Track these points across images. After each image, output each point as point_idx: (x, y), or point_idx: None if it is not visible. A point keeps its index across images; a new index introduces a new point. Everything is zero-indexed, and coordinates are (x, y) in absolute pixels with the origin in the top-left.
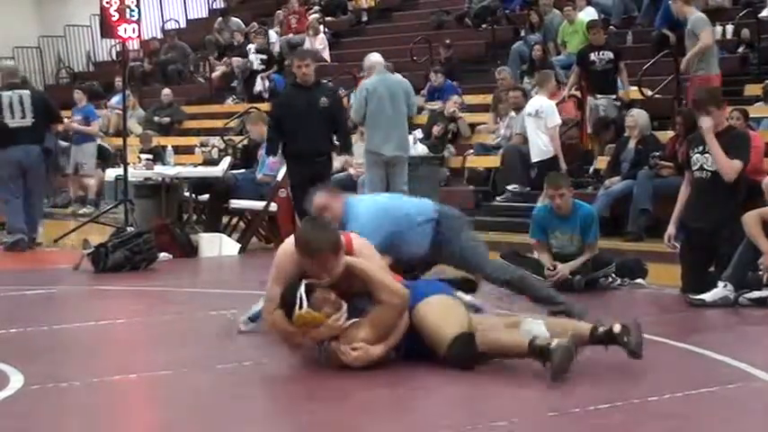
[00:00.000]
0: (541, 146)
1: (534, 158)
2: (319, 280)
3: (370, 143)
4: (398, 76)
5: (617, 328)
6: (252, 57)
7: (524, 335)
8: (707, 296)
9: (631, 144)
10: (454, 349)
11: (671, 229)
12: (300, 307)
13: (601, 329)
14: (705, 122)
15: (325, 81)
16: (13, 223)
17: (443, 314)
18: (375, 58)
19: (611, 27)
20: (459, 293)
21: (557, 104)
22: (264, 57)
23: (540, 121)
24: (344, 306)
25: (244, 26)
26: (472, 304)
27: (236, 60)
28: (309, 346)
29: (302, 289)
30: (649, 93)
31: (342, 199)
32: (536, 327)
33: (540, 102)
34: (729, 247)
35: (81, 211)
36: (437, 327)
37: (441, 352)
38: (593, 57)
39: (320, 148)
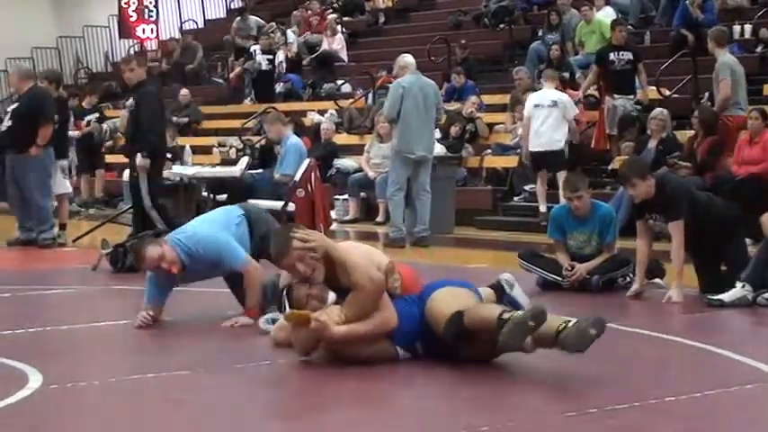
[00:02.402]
0: (554, 136)
1: (534, 148)
2: (310, 278)
3: (401, 142)
4: (428, 79)
5: (572, 321)
6: (258, 57)
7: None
8: (725, 296)
9: (651, 144)
10: (446, 327)
11: (635, 286)
12: (284, 310)
13: (562, 326)
14: (673, 297)
15: (150, 84)
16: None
17: (449, 299)
18: (409, 58)
19: (628, 27)
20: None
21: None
22: (271, 57)
23: (558, 113)
24: (330, 294)
25: (264, 23)
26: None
27: (248, 63)
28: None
29: (284, 293)
30: (667, 92)
31: (166, 242)
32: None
33: (558, 94)
34: (736, 248)
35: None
36: (440, 311)
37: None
38: (612, 56)
39: (129, 149)
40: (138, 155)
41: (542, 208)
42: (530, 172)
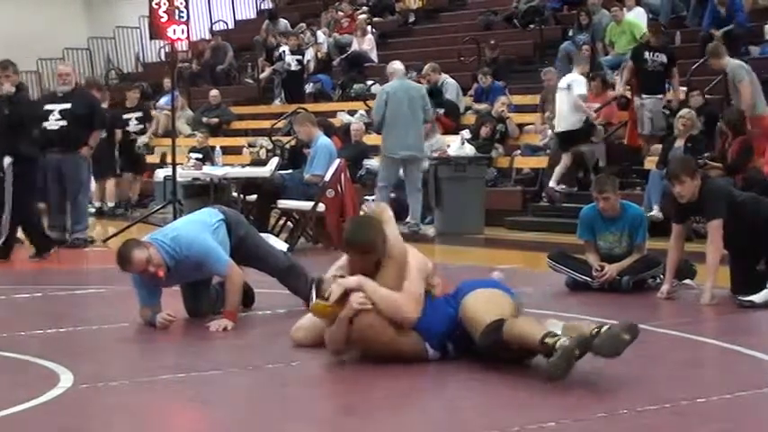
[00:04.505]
0: (571, 117)
1: (557, 129)
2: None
3: (385, 144)
4: (415, 83)
5: (605, 327)
6: (288, 59)
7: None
8: (756, 297)
9: (679, 143)
10: (483, 336)
11: (665, 287)
12: (311, 301)
13: (594, 331)
14: (704, 299)
15: (23, 91)
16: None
17: (485, 304)
18: (396, 65)
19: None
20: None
21: (604, 105)
22: (300, 57)
23: (570, 94)
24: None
25: (291, 29)
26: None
27: (278, 63)
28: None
29: (314, 286)
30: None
31: (152, 245)
32: (553, 329)
33: (572, 76)
34: None
35: None
36: (477, 316)
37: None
38: (646, 55)
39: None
40: (7, 157)
41: (551, 183)
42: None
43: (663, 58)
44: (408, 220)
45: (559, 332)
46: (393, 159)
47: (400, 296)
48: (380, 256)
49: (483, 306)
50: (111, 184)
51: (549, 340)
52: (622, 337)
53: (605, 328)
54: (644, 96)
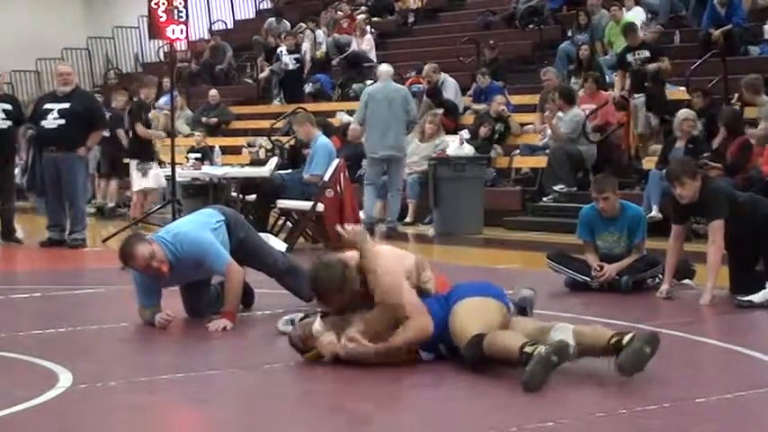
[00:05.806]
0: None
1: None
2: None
3: (366, 144)
4: (398, 85)
5: (626, 339)
6: (285, 58)
7: (519, 340)
8: (755, 297)
9: (679, 144)
10: (465, 350)
11: (665, 287)
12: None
13: (614, 340)
14: (705, 299)
15: None
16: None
17: (472, 314)
18: (382, 67)
19: (658, 26)
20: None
21: (600, 107)
22: (298, 56)
23: None
24: (315, 323)
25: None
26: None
27: (275, 63)
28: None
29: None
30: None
31: (153, 241)
32: (559, 333)
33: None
34: None
35: None
36: (463, 326)
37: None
38: (629, 57)
39: None
40: None
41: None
42: (558, 173)
43: (645, 53)
44: (385, 220)
45: (569, 340)
46: (375, 159)
47: (410, 327)
48: (350, 290)
49: (469, 317)
50: (114, 184)
51: (528, 349)
52: (645, 352)
53: (627, 338)
54: (636, 96)
